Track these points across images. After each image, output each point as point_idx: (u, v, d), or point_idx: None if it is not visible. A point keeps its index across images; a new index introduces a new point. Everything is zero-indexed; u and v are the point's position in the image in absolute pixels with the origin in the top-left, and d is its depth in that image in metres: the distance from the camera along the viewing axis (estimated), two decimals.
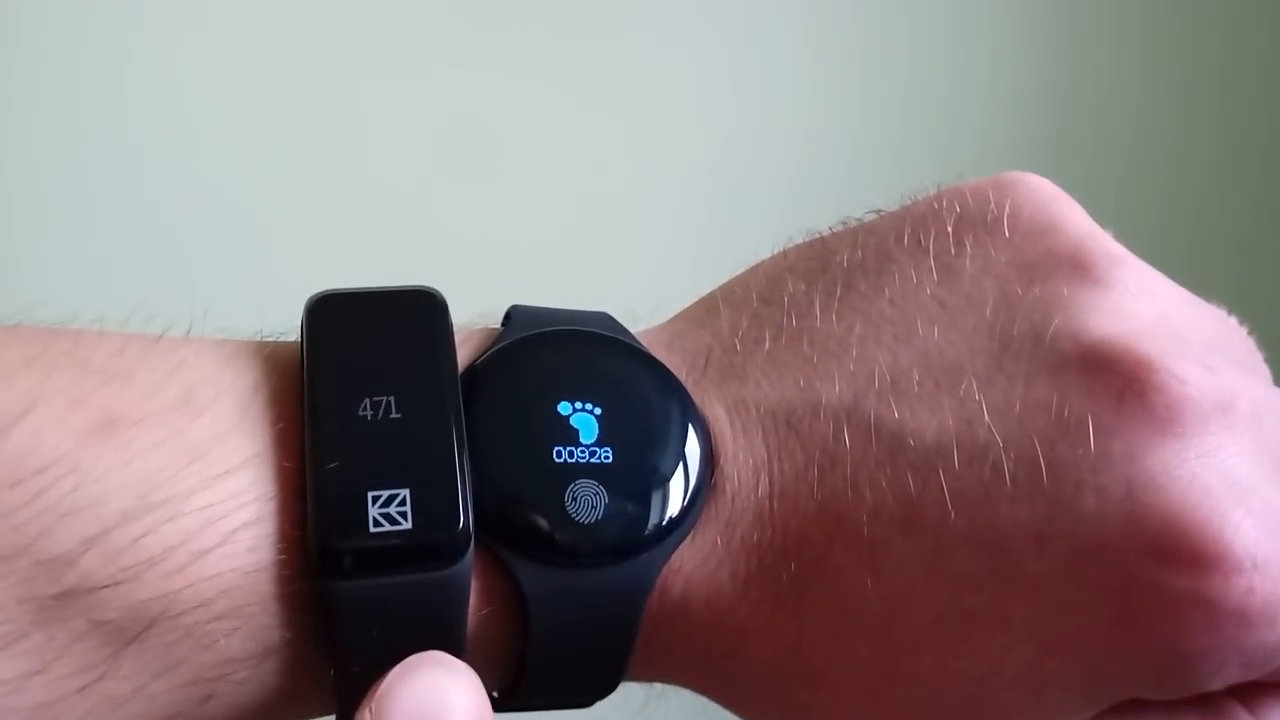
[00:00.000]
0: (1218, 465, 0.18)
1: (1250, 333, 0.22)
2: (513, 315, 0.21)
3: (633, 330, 0.22)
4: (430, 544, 0.17)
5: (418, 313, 0.20)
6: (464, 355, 0.20)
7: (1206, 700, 0.19)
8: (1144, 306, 0.19)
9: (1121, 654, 0.18)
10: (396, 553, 0.17)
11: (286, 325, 0.20)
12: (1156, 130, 0.88)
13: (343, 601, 0.17)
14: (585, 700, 0.21)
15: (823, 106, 0.85)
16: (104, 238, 0.73)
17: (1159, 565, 0.17)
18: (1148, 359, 0.18)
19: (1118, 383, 0.18)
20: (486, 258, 0.79)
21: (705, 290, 0.23)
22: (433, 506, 0.18)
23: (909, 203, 0.22)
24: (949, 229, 0.21)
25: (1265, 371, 0.22)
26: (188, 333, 0.19)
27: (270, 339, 0.20)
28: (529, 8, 0.80)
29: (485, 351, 0.20)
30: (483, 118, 0.79)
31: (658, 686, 0.22)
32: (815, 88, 0.85)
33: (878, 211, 0.22)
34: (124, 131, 0.73)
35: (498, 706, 0.21)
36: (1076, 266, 0.20)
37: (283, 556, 0.17)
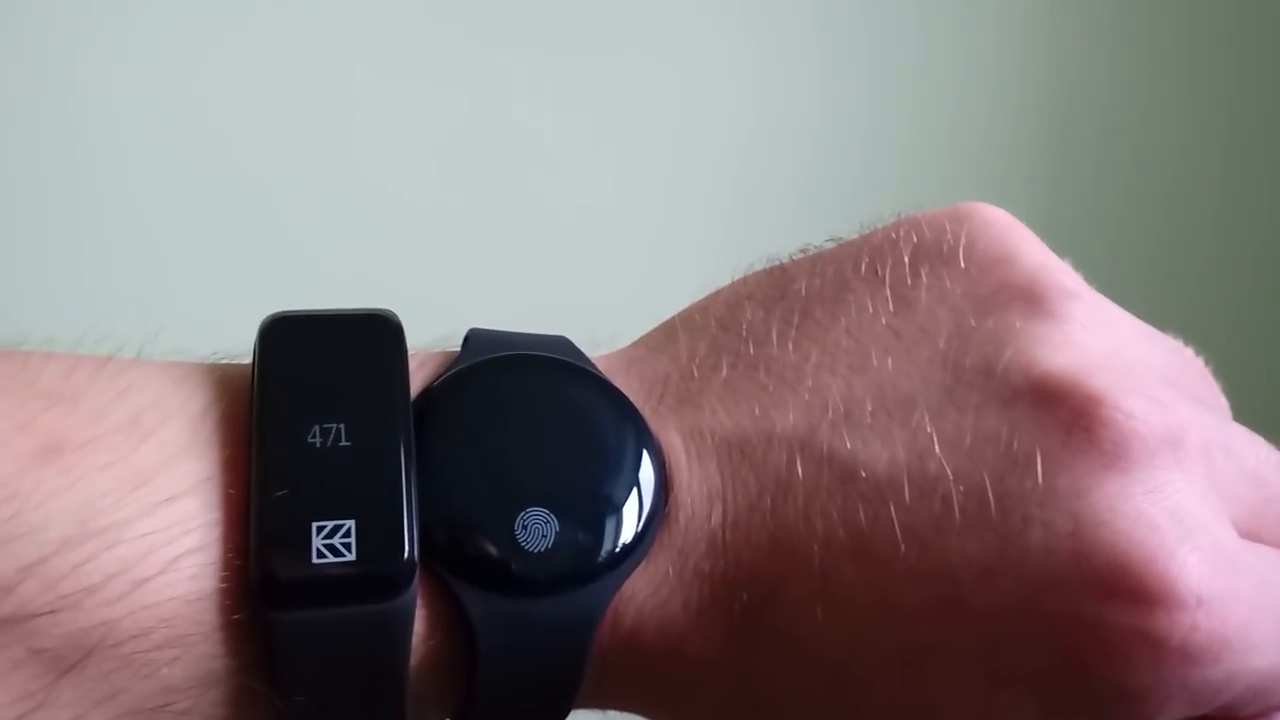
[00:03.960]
0: (1164, 501, 0.18)
1: (1206, 363, 0.23)
2: (470, 339, 0.21)
3: (593, 355, 0.22)
4: (373, 576, 0.17)
5: (372, 338, 0.20)
6: (420, 379, 0.20)
7: None
8: (1096, 340, 0.20)
9: (1068, 689, 0.18)
10: (338, 584, 0.17)
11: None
12: (1162, 129, 0.89)
13: (283, 633, 0.17)
14: None
15: (833, 110, 0.85)
16: (57, 256, 0.72)
17: (1104, 602, 0.17)
18: (1096, 393, 0.18)
19: (1066, 417, 0.18)
20: (486, 266, 0.79)
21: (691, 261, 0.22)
22: (377, 538, 0.17)
23: (868, 231, 0.22)
24: (905, 259, 0.21)
25: (1222, 404, 0.22)
26: (138, 354, 0.19)
27: (224, 360, 0.20)
28: (534, 10, 0.80)
29: (441, 375, 0.20)
30: (488, 121, 0.79)
31: (612, 712, 0.22)
32: (826, 91, 0.85)
33: (837, 239, 0.23)
34: (83, 145, 0.72)
35: None
36: (1029, 299, 0.20)
37: (225, 585, 0.17)
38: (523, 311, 0.78)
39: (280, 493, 0.17)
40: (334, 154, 0.77)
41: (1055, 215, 0.84)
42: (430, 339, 0.22)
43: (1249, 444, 0.20)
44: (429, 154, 0.79)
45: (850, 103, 0.86)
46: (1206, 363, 0.22)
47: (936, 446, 0.19)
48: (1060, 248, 0.22)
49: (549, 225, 0.81)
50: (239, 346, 0.20)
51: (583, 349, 0.22)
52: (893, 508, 0.18)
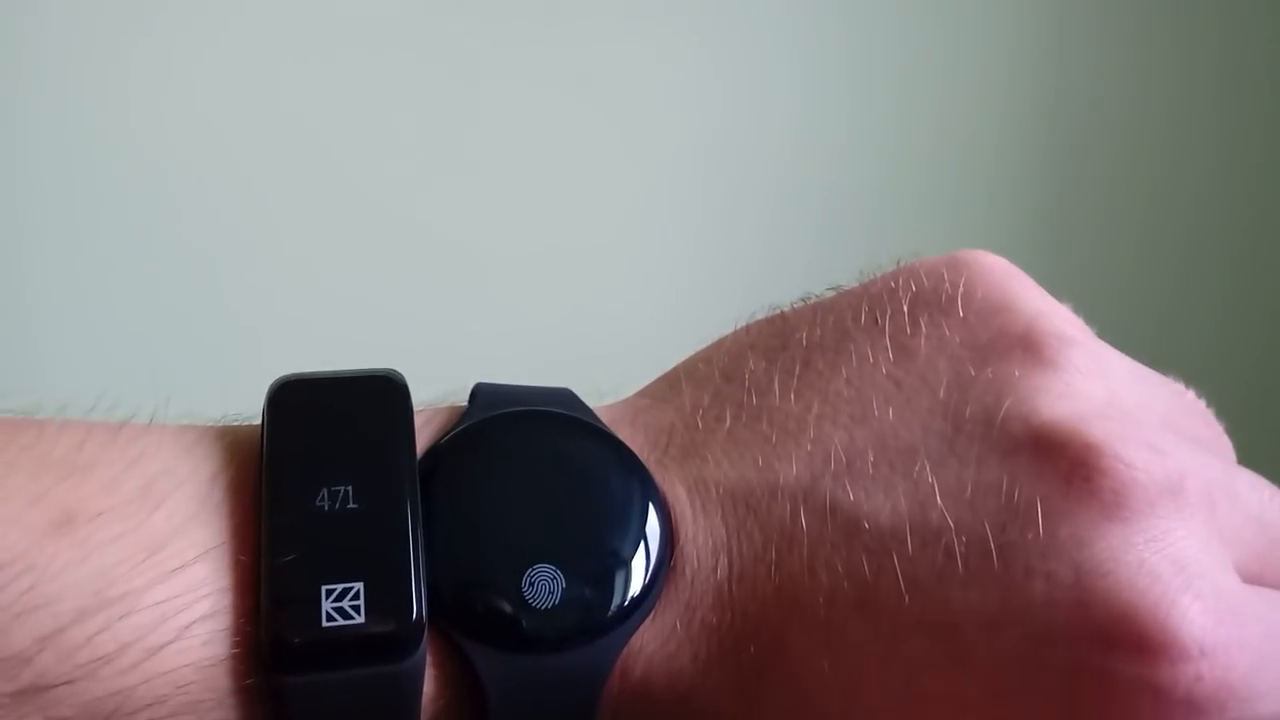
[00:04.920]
0: (1166, 550, 0.18)
1: (1208, 405, 0.23)
2: (476, 394, 0.21)
3: (596, 405, 0.22)
4: (383, 638, 0.18)
5: (378, 399, 0.20)
6: (427, 436, 0.20)
7: None
8: (1095, 388, 0.20)
9: None
10: (348, 647, 0.17)
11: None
12: (1149, 136, 0.88)
13: (295, 696, 0.17)
14: None
15: (813, 113, 0.85)
16: (72, 322, 0.73)
17: (1107, 652, 0.17)
18: (1095, 443, 0.18)
19: (1066, 467, 0.18)
20: (473, 269, 0.80)
21: (694, 302, 0.23)
22: (386, 600, 0.18)
23: (867, 279, 0.22)
24: (905, 308, 0.21)
25: (1225, 446, 0.22)
26: (151, 419, 0.20)
27: (234, 423, 0.20)
28: (514, 16, 0.80)
29: (448, 433, 0.21)
30: (467, 130, 0.80)
31: None
32: (805, 93, 0.85)
33: (837, 288, 0.23)
34: (86, 219, 0.73)
35: None
36: (1028, 348, 0.20)
37: (237, 651, 0.17)
38: (523, 324, 0.79)
39: (289, 557, 0.18)
40: (340, 205, 0.78)
41: (1065, 237, 0.84)
42: (434, 394, 0.22)
43: (1251, 487, 0.20)
44: (439, 172, 0.79)
45: (875, 122, 0.86)
46: (1208, 404, 0.23)
47: (938, 497, 0.19)
48: (1064, 263, 0.22)
49: (537, 231, 0.81)
50: (252, 394, 0.20)
51: (585, 398, 0.22)
52: (896, 559, 0.19)
